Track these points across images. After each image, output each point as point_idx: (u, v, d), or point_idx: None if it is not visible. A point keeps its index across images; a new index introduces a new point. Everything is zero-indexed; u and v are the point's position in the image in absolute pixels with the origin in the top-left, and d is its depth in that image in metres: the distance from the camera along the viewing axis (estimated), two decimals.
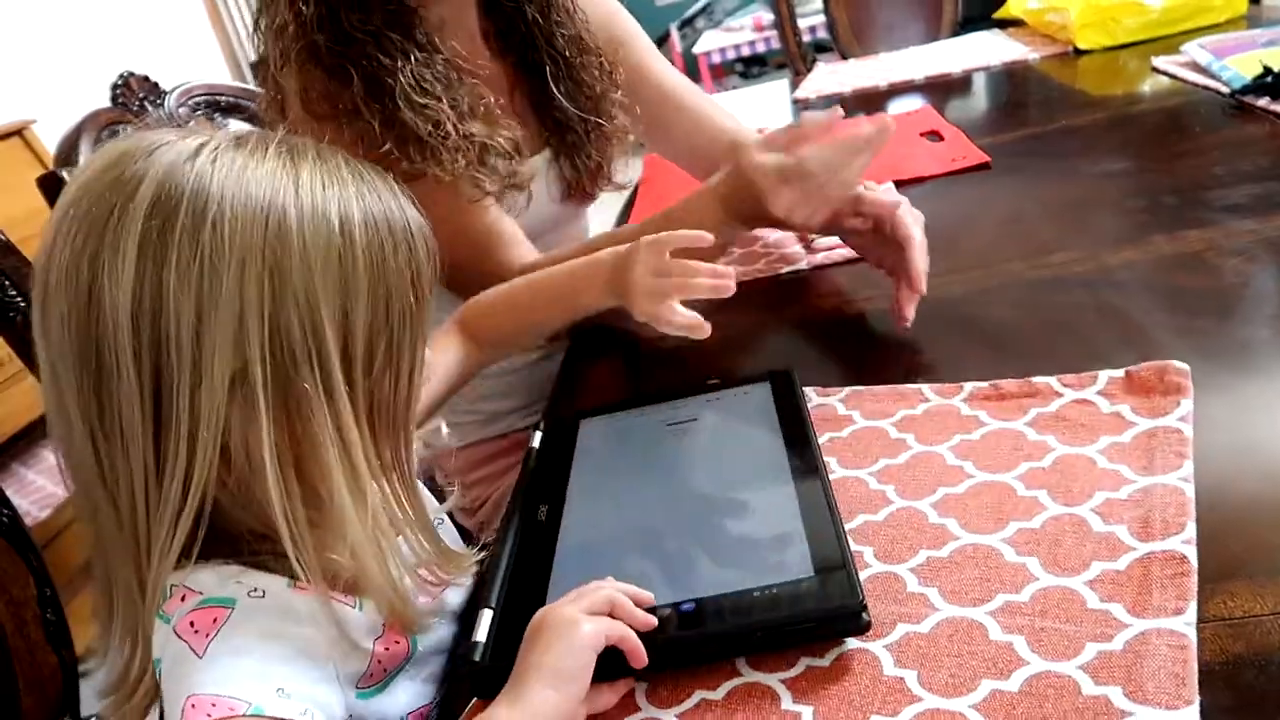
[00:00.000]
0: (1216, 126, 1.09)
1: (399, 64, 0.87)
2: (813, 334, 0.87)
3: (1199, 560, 0.47)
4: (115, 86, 1.08)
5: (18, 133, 2.29)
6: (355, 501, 0.49)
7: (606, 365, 0.90)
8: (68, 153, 0.96)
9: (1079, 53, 1.52)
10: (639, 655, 0.48)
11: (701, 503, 0.61)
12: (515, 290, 0.82)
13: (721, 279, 0.71)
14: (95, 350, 0.45)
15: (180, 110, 1.12)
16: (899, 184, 1.11)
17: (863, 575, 0.53)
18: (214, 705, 0.43)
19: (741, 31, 4.59)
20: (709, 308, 0.71)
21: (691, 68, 4.44)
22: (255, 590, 0.49)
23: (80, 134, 0.98)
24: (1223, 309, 0.71)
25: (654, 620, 0.50)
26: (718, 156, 1.03)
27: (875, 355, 0.79)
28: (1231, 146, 1.02)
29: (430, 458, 0.86)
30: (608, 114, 1.05)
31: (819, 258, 0.97)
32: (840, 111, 0.78)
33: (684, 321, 0.71)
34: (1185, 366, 0.61)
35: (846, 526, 0.56)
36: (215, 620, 0.47)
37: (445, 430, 0.72)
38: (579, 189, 1.08)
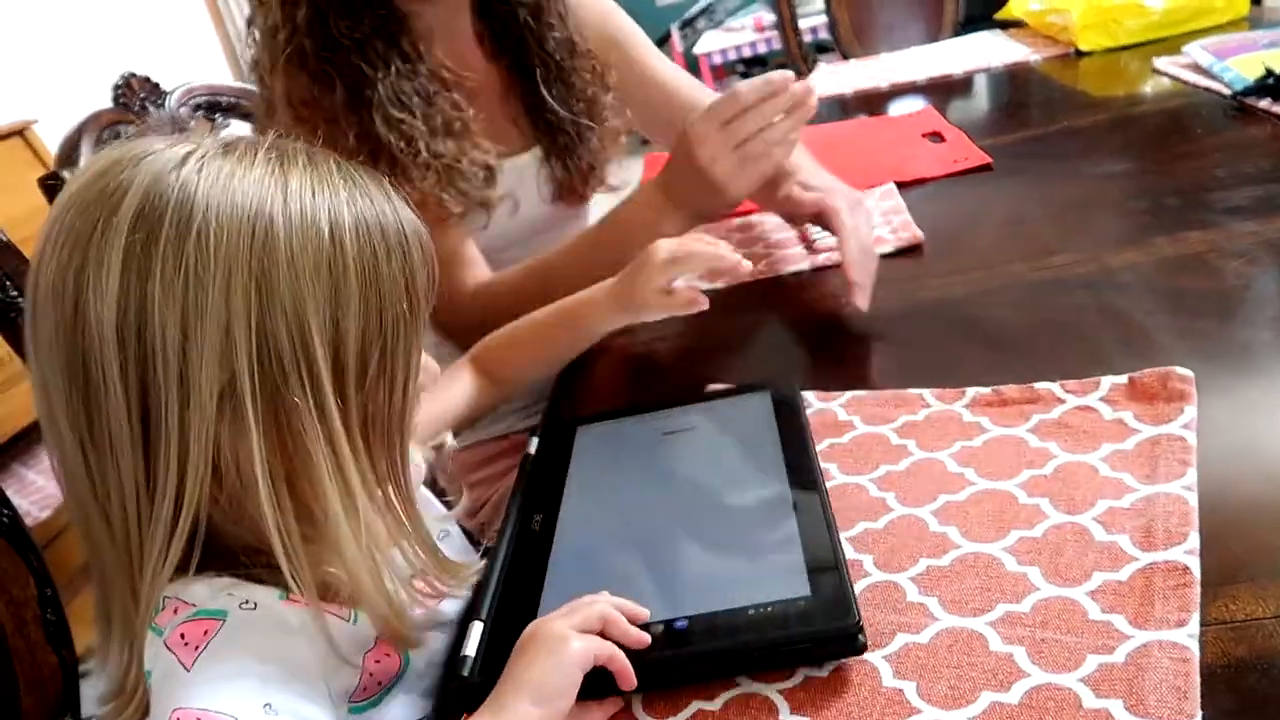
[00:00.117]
0: (1218, 128, 1.09)
1: (379, 74, 0.88)
2: (813, 334, 0.86)
3: (1201, 564, 0.47)
4: (117, 87, 1.08)
5: (19, 133, 2.29)
6: (349, 516, 0.48)
7: (607, 366, 0.89)
8: (69, 153, 0.96)
9: (1080, 54, 1.52)
10: (627, 677, 0.48)
11: (697, 515, 0.60)
12: (520, 326, 0.84)
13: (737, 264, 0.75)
14: (83, 364, 0.45)
15: (181, 111, 1.12)
16: (900, 185, 1.10)
17: (862, 584, 0.52)
18: None
19: (742, 32, 4.58)
20: (710, 309, 0.71)
21: (692, 68, 4.42)
22: (247, 602, 0.48)
23: (81, 134, 0.98)
24: (1224, 311, 0.71)
25: (647, 638, 0.49)
26: None
27: (876, 356, 0.79)
28: (1233, 148, 1.01)
29: (431, 460, 0.86)
30: (600, 116, 1.06)
31: (820, 258, 0.96)
32: (790, 74, 0.79)
33: (686, 298, 0.74)
34: (1189, 373, 0.60)
35: (846, 534, 0.56)
36: (206, 633, 0.46)
37: (451, 440, 0.72)
38: (570, 190, 1.08)
